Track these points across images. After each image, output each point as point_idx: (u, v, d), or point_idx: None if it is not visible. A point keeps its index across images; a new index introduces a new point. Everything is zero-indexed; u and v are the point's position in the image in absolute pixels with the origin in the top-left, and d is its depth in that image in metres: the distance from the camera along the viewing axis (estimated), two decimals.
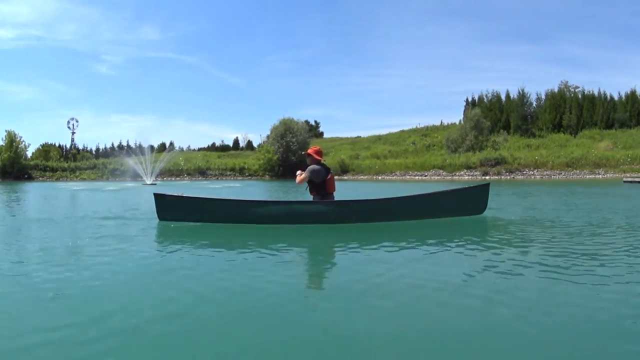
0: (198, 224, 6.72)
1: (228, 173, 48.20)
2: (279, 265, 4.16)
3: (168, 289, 3.30)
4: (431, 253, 4.64)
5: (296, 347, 2.26)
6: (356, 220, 6.73)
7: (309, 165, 6.80)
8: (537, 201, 11.81)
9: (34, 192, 20.32)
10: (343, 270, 4.01)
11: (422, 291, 3.17)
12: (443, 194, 7.37)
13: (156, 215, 7.04)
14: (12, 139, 46.15)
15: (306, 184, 6.87)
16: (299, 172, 6.87)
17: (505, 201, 11.60)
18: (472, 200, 7.38)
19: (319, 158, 6.82)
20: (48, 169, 48.20)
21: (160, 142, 63.93)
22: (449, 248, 4.91)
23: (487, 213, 7.46)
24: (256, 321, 2.60)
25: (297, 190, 16.25)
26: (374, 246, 4.99)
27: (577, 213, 8.36)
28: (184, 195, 7.20)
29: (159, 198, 7.03)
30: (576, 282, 3.36)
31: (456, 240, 5.33)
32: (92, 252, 4.74)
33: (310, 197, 6.97)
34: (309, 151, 6.94)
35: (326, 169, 6.81)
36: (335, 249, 5.07)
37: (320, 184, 6.72)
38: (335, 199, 7.01)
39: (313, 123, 72.55)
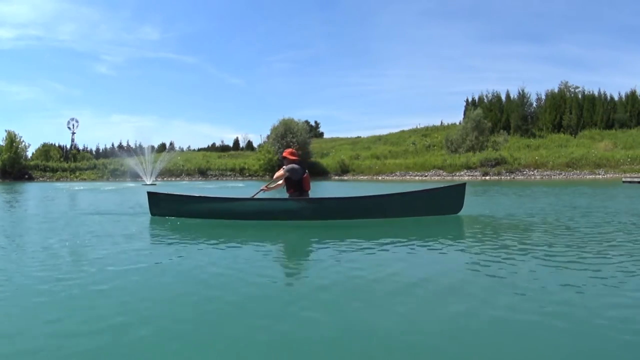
0: (186, 219, 7.17)
1: (228, 173, 48.21)
2: (257, 260, 4.34)
3: (155, 283, 3.41)
4: (401, 251, 4.73)
5: (281, 342, 2.29)
6: (332, 217, 6.99)
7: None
8: (516, 201, 11.91)
9: (33, 192, 20.35)
10: (321, 267, 4.09)
11: (392, 287, 3.25)
12: (418, 194, 7.44)
13: (149, 212, 7.65)
14: (12, 139, 46.13)
15: (283, 183, 7.28)
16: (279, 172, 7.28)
17: (483, 201, 11.76)
18: (447, 200, 7.44)
19: (294, 158, 7.21)
20: (48, 169, 48.18)
21: (160, 142, 63.96)
22: (420, 246, 5.00)
23: (463, 212, 7.48)
24: (238, 317, 2.65)
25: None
26: (350, 243, 5.15)
27: (555, 212, 8.41)
28: (174, 193, 7.95)
29: (152, 196, 7.68)
30: (544, 280, 3.40)
31: (428, 239, 5.40)
32: (86, 246, 4.95)
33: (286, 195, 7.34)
34: (284, 154, 7.34)
35: (302, 168, 7.17)
36: (313, 245, 5.25)
37: (297, 182, 7.09)
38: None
39: (313, 123, 72.63)
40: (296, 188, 7.10)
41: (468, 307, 2.81)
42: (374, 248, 4.89)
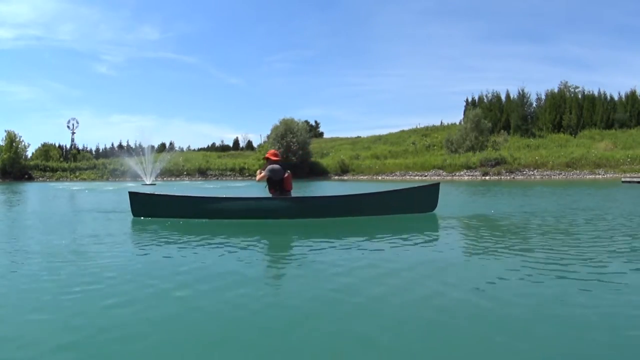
0: (168, 219, 7.11)
1: (228, 173, 48.18)
2: (242, 259, 4.37)
3: (136, 283, 3.39)
4: (379, 247, 4.92)
5: (272, 339, 2.31)
6: (314, 215, 7.16)
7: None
8: (493, 200, 12.22)
9: (31, 192, 20.37)
10: (305, 264, 4.16)
11: (374, 284, 3.35)
12: (396, 193, 7.77)
13: (131, 212, 7.52)
14: (12, 139, 46.13)
15: (266, 183, 7.36)
16: (259, 170, 7.41)
17: (459, 200, 12.15)
18: (423, 199, 7.78)
19: (275, 159, 7.36)
20: (48, 169, 48.17)
21: (160, 142, 63.93)
22: (398, 243, 5.21)
23: (437, 211, 7.78)
24: (226, 316, 2.66)
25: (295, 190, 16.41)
26: (333, 241, 5.30)
27: (528, 211, 8.60)
28: (156, 193, 7.90)
29: (133, 196, 7.55)
30: (503, 275, 3.55)
31: (405, 236, 5.67)
32: (62, 247, 4.94)
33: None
34: (267, 155, 7.48)
35: (284, 169, 7.30)
36: (296, 243, 5.40)
37: (278, 182, 7.23)
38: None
39: (313, 123, 72.58)
40: (277, 188, 7.26)
41: (443, 302, 2.90)
42: (355, 245, 5.06)
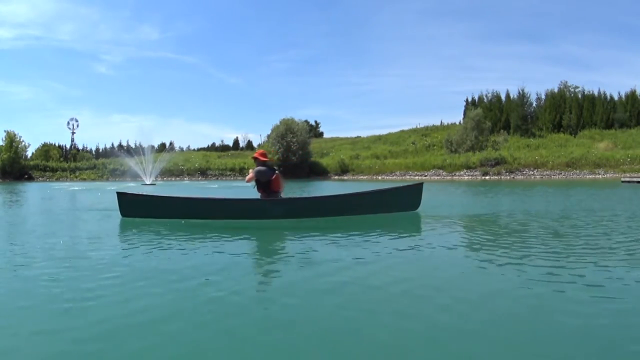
0: (156, 220, 7.07)
1: (228, 173, 48.18)
2: (231, 257, 4.40)
3: (124, 284, 3.35)
4: (367, 245, 5.01)
5: (263, 339, 2.31)
6: (302, 215, 7.24)
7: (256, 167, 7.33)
8: (477, 200, 12.45)
9: (30, 192, 20.37)
10: (295, 263, 4.19)
11: (362, 282, 3.39)
12: (379, 193, 7.99)
13: (119, 213, 7.45)
14: (12, 139, 46.10)
15: (254, 183, 7.35)
16: (250, 170, 7.41)
17: (449, 200, 12.37)
18: (407, 198, 7.96)
19: (264, 159, 7.33)
20: (48, 169, 48.16)
21: (160, 142, 63.87)
22: (384, 240, 5.35)
23: (420, 210, 7.95)
24: (216, 316, 2.65)
25: (291, 190, 16.35)
26: (320, 240, 5.38)
27: (524, 211, 8.71)
28: (144, 193, 7.88)
29: (121, 196, 7.49)
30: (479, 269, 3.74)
31: (392, 233, 5.86)
32: (47, 249, 4.91)
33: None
34: (255, 155, 7.46)
35: (271, 170, 7.30)
36: (285, 243, 5.47)
37: (266, 184, 7.22)
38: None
39: (313, 123, 72.52)
40: (264, 189, 7.26)
41: (435, 302, 2.93)
42: (341, 245, 5.11)
